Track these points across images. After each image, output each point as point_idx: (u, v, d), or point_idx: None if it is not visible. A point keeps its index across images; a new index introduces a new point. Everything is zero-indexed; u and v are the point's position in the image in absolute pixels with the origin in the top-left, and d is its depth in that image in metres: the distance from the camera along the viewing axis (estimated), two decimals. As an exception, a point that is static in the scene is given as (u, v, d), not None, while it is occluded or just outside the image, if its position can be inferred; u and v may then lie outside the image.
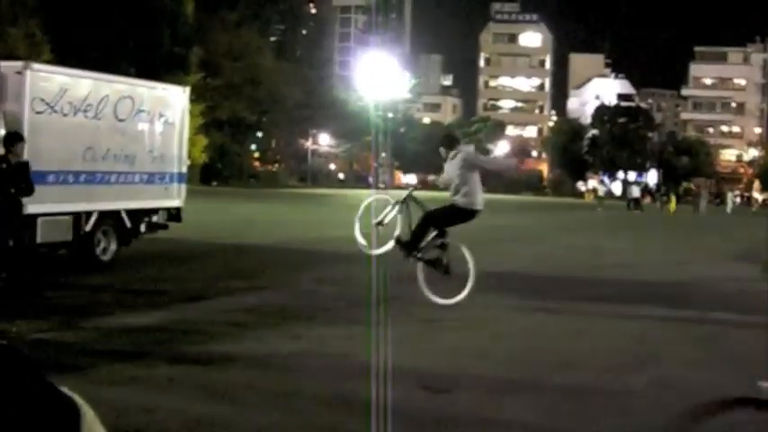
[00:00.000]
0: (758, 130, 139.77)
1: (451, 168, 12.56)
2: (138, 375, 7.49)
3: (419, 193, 13.32)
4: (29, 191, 12.39)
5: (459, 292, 12.07)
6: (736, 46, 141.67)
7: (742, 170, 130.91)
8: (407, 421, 6.48)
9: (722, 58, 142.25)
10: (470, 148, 12.97)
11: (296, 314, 11.24)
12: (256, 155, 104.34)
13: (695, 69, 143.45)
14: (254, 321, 10.53)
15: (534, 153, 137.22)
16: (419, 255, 12.51)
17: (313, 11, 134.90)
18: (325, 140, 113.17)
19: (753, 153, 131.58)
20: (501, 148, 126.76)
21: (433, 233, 12.58)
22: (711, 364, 9.21)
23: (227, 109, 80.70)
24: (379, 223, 12.95)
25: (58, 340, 8.89)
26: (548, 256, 21.40)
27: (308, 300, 12.57)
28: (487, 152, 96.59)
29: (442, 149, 12.91)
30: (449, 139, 13.41)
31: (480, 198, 12.65)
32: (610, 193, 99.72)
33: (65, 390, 1.23)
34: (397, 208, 12.84)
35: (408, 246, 12.49)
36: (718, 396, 7.67)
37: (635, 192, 66.04)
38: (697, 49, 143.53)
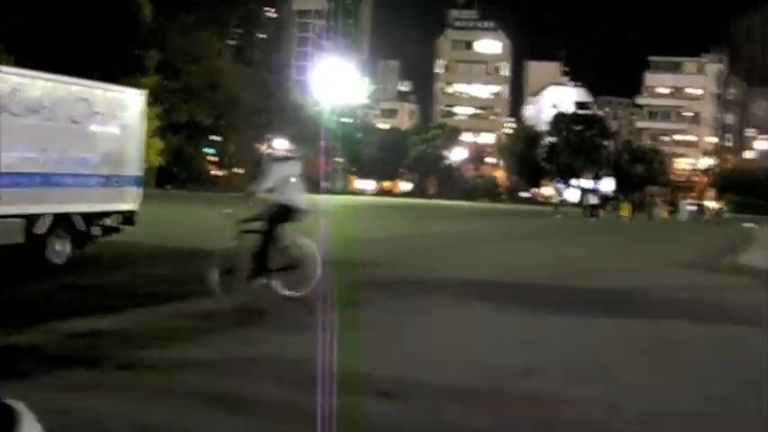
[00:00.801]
0: (713, 140, 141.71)
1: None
2: (91, 381, 7.36)
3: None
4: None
5: (309, 282, 12.64)
6: (691, 56, 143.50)
7: (696, 179, 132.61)
8: (363, 428, 6.42)
9: (677, 68, 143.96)
10: None
11: (252, 319, 11.15)
12: (213, 159, 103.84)
13: (650, 79, 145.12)
14: (209, 326, 10.42)
15: (491, 159, 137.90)
16: (270, 269, 12.71)
17: (271, 15, 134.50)
18: (281, 145, 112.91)
19: (707, 162, 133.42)
20: (457, 155, 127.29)
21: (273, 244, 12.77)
22: (668, 371, 9.24)
23: (184, 112, 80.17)
24: (228, 270, 12.46)
25: (8, 345, 8.71)
26: (506, 263, 21.44)
27: (265, 305, 12.46)
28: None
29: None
30: None
31: (299, 197, 12.94)
32: (564, 201, 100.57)
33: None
34: (236, 242, 12.87)
35: (256, 273, 12.63)
36: (672, 404, 7.70)
37: (591, 199, 66.59)
38: (651, 58, 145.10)
